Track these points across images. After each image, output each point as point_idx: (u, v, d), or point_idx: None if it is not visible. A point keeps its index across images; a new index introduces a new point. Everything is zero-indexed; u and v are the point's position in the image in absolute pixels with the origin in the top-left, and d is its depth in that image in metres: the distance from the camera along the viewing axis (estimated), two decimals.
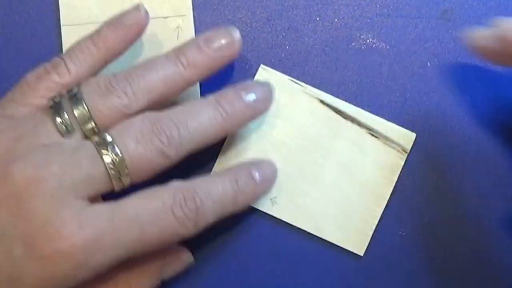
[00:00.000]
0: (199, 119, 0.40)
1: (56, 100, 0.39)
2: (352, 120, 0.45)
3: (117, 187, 0.38)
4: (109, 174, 0.38)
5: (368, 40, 0.46)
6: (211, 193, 0.39)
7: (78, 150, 0.38)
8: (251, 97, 0.41)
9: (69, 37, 0.46)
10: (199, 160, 0.44)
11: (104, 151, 0.38)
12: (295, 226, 0.45)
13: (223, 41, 0.41)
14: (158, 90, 0.40)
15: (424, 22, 0.46)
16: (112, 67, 0.42)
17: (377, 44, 0.46)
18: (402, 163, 0.45)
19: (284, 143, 0.45)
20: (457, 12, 0.46)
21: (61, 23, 0.46)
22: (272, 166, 0.43)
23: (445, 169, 0.45)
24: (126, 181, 0.38)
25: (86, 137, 0.39)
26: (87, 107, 0.39)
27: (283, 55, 0.46)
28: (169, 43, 0.46)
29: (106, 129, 0.39)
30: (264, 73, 0.46)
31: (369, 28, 0.46)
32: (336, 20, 0.46)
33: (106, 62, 0.41)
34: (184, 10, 0.46)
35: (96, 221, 0.37)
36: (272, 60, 0.46)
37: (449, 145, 0.45)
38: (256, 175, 0.42)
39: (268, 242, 0.45)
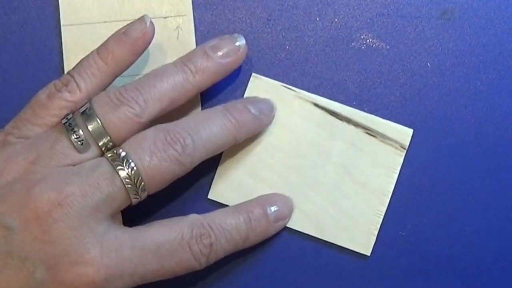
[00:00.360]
0: (211, 127, 0.41)
1: (69, 117, 0.39)
2: (348, 120, 0.45)
3: (134, 201, 0.39)
4: (126, 188, 0.38)
5: (368, 40, 0.46)
6: (225, 231, 0.41)
7: (94, 169, 0.38)
8: (257, 109, 0.43)
9: (69, 37, 0.45)
10: (199, 168, 0.44)
11: (119, 166, 0.38)
12: (299, 231, 0.45)
13: (228, 48, 0.43)
14: (168, 98, 0.41)
15: (424, 22, 0.46)
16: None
17: (377, 44, 0.46)
18: (402, 160, 0.45)
19: (281, 149, 0.45)
20: (457, 12, 0.46)
21: (61, 23, 0.46)
22: (288, 204, 0.44)
23: (445, 166, 0.45)
24: (143, 194, 0.39)
25: (102, 151, 0.40)
26: (100, 121, 0.39)
27: (283, 56, 0.46)
28: (169, 43, 0.46)
29: (121, 141, 0.39)
30: (256, 81, 0.46)
31: (369, 28, 0.46)
32: (336, 20, 0.46)
33: (115, 76, 0.42)
34: (184, 10, 0.46)
35: (118, 248, 0.37)
36: (272, 61, 0.46)
37: (448, 143, 0.45)
38: (271, 213, 0.43)
39: (272, 248, 0.45)
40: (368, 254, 0.44)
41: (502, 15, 0.46)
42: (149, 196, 0.40)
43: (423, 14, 0.46)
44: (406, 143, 0.45)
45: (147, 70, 0.45)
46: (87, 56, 0.42)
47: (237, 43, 0.43)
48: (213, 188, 0.45)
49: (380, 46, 0.46)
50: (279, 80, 0.46)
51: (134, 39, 0.41)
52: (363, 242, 0.44)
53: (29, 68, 0.45)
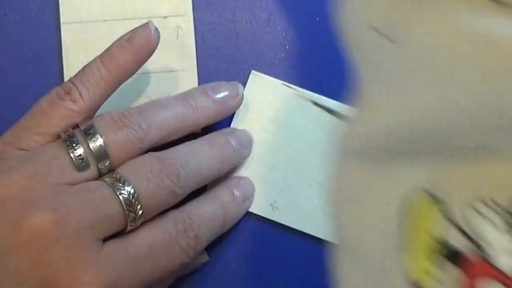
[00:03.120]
0: (200, 159, 0.41)
1: (70, 133, 0.39)
2: (347, 119, 0.45)
3: (129, 227, 0.38)
4: (125, 212, 0.38)
5: None
6: (205, 220, 0.41)
7: (93, 191, 0.38)
8: (237, 142, 0.43)
9: (68, 35, 0.45)
10: None
11: (120, 190, 0.38)
12: (297, 230, 0.45)
13: (228, 92, 0.43)
14: (169, 128, 0.41)
15: None
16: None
17: None
18: None
19: (280, 147, 0.45)
20: None
21: (61, 21, 0.46)
22: (248, 184, 0.44)
23: None
24: (139, 221, 0.38)
25: (99, 173, 0.39)
26: (103, 140, 0.39)
27: (283, 55, 0.46)
28: (169, 43, 0.46)
29: (119, 164, 0.39)
30: (256, 79, 0.46)
31: None
32: (336, 20, 0.46)
33: (118, 84, 0.41)
34: (184, 10, 0.46)
35: (114, 263, 0.37)
36: (272, 60, 0.46)
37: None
38: (238, 195, 0.43)
39: (270, 247, 0.45)
40: None
41: None
42: None
43: None
44: None
45: (147, 69, 0.45)
46: (89, 64, 0.41)
47: (236, 90, 0.44)
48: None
49: None
50: (279, 80, 0.46)
51: (139, 46, 0.41)
52: None
53: (28, 66, 0.45)
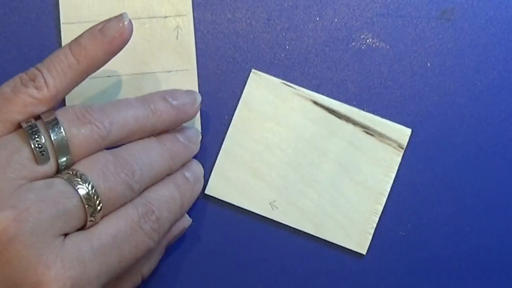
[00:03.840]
0: (151, 155, 0.41)
1: (33, 124, 0.38)
2: (347, 119, 0.45)
3: (89, 223, 0.37)
4: (85, 208, 0.37)
5: (368, 40, 0.46)
6: (163, 202, 0.40)
7: (50, 186, 0.37)
8: (185, 137, 0.43)
9: (68, 35, 0.46)
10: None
11: (78, 185, 0.37)
12: (296, 229, 0.45)
13: (185, 99, 0.43)
14: (129, 128, 0.40)
15: (424, 22, 0.46)
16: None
17: (377, 44, 0.46)
18: (399, 160, 0.45)
19: (279, 146, 0.45)
20: (457, 12, 0.46)
21: (61, 21, 0.46)
22: (199, 166, 0.44)
23: (443, 166, 0.45)
24: (98, 216, 0.38)
25: (58, 169, 0.38)
26: (65, 134, 0.38)
27: (283, 55, 0.46)
28: (169, 43, 0.46)
29: (78, 159, 0.38)
30: (256, 77, 0.46)
31: (369, 28, 0.46)
32: (336, 20, 0.46)
33: (86, 75, 0.40)
34: (184, 10, 0.46)
35: (78, 255, 0.36)
36: (272, 60, 0.46)
37: (447, 143, 0.45)
38: (190, 176, 0.43)
39: (269, 246, 0.45)
40: (364, 253, 0.44)
41: (502, 15, 0.46)
42: None
43: (423, 14, 0.46)
44: (404, 143, 0.45)
45: (147, 69, 0.45)
46: (58, 51, 0.39)
47: (195, 98, 0.43)
48: (210, 183, 0.45)
49: (380, 46, 0.46)
50: (280, 80, 0.46)
51: (111, 38, 0.39)
52: (359, 240, 0.44)
53: (29, 66, 0.45)
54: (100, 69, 0.40)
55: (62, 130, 0.38)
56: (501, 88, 0.45)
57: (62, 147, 0.38)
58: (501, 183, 0.45)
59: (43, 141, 0.37)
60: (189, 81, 0.46)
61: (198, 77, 0.46)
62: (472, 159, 0.45)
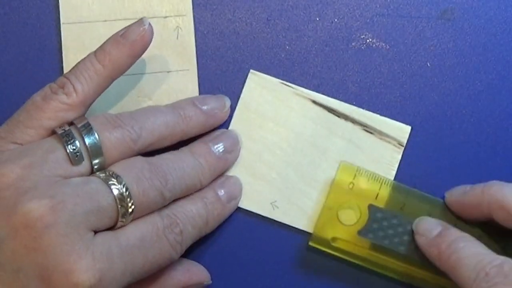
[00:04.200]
0: (184, 167, 0.41)
1: (66, 128, 0.39)
2: (346, 117, 0.45)
3: (119, 223, 0.39)
4: (117, 207, 0.38)
5: (368, 40, 0.46)
6: (189, 217, 0.41)
7: (87, 183, 0.38)
8: (220, 147, 0.44)
9: (68, 35, 0.46)
10: None
11: (113, 186, 0.38)
12: (297, 228, 0.45)
13: (215, 104, 0.44)
14: (159, 133, 0.41)
15: (424, 22, 0.46)
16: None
17: (377, 44, 0.46)
18: (399, 157, 0.45)
19: (279, 146, 0.45)
20: (457, 12, 0.46)
21: (61, 21, 0.46)
22: (237, 183, 0.44)
23: (442, 164, 0.45)
24: (129, 219, 0.39)
25: (92, 170, 0.40)
26: (98, 137, 0.39)
27: (283, 55, 0.46)
28: (169, 43, 0.46)
29: (111, 163, 0.40)
30: (254, 78, 0.46)
31: (369, 28, 0.46)
32: (336, 20, 0.46)
33: (112, 79, 0.42)
34: (184, 10, 0.46)
35: (108, 251, 0.37)
36: (272, 60, 0.46)
37: (446, 141, 0.45)
38: (223, 195, 0.43)
39: (270, 246, 0.45)
40: None
41: (502, 15, 0.46)
42: None
43: (423, 14, 0.46)
44: (404, 140, 0.45)
45: (147, 69, 0.45)
46: (84, 59, 0.41)
47: (224, 102, 0.44)
48: None
49: (380, 46, 0.46)
50: (279, 79, 0.46)
51: (132, 41, 0.41)
52: None
53: (28, 66, 0.45)
54: None
55: (95, 133, 0.39)
56: (500, 87, 0.45)
57: (96, 149, 0.39)
58: (501, 181, 0.45)
59: (78, 145, 0.39)
60: (189, 81, 0.46)
61: (198, 77, 0.46)
62: (471, 157, 0.45)
